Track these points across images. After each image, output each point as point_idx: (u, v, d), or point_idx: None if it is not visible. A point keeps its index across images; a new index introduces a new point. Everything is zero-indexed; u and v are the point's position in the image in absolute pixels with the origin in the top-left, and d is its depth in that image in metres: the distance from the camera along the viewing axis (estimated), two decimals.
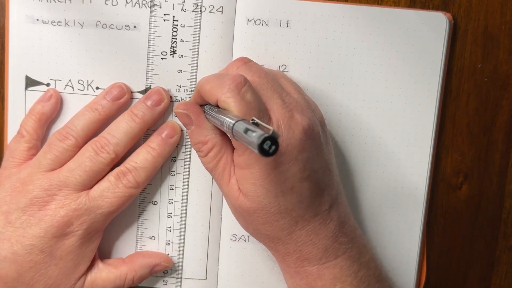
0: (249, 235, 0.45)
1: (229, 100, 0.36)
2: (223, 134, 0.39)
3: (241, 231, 0.45)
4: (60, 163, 0.41)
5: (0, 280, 0.40)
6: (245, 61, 0.40)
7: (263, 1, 0.43)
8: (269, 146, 0.28)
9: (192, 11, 0.43)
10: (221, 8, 0.43)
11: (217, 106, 0.37)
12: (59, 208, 0.40)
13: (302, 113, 0.37)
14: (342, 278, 0.39)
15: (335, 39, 0.44)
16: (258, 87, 0.38)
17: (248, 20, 0.43)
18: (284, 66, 0.44)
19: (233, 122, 0.32)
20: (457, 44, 0.45)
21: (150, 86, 0.44)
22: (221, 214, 0.45)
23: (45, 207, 0.40)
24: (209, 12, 0.43)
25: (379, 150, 0.45)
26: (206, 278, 0.46)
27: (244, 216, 0.39)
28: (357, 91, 0.44)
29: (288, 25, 0.43)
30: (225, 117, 0.34)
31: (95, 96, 0.43)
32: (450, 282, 0.48)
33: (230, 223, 0.45)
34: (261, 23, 0.43)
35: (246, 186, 0.37)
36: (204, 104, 0.40)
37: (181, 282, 0.46)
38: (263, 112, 0.36)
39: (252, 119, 0.33)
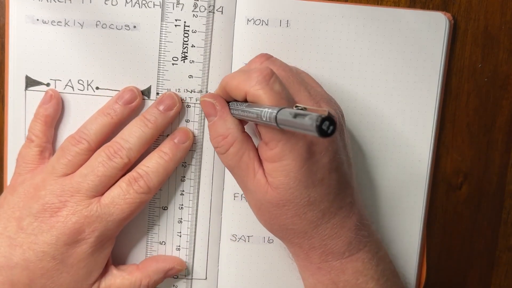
0: (249, 235, 0.45)
1: (258, 92, 0.35)
2: (244, 132, 0.39)
3: (241, 231, 0.45)
4: (73, 168, 0.41)
5: (12, 287, 0.39)
6: (268, 57, 0.40)
7: (263, 1, 0.43)
8: (327, 127, 0.29)
9: (192, 11, 0.43)
10: (221, 8, 0.43)
11: (244, 101, 0.37)
12: (71, 215, 0.39)
13: (328, 105, 0.38)
14: (364, 272, 0.39)
15: (335, 39, 0.44)
16: (284, 81, 0.38)
17: (248, 20, 0.43)
18: None
19: (277, 110, 0.32)
20: (457, 44, 0.45)
21: (158, 91, 0.44)
22: (221, 214, 0.45)
23: (57, 213, 0.40)
24: (208, 13, 0.43)
25: (379, 150, 0.45)
26: (206, 278, 0.46)
27: (270, 211, 0.38)
28: (356, 91, 0.44)
29: (288, 25, 0.43)
30: (263, 108, 0.34)
31: (95, 96, 0.43)
32: (450, 282, 0.48)
33: (230, 223, 0.45)
34: (261, 23, 0.43)
35: (278, 179, 0.37)
36: (229, 101, 0.40)
37: (191, 286, 0.46)
38: (292, 103, 0.36)
39: (297, 106, 0.33)
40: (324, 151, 0.37)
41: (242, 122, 0.39)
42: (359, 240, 0.39)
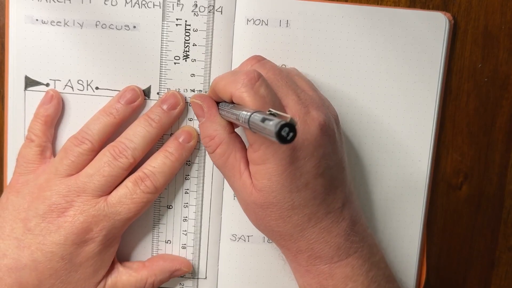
0: (249, 235, 0.45)
1: (243, 94, 0.36)
2: (232, 133, 0.39)
3: (241, 231, 0.45)
4: (77, 168, 0.41)
5: None
6: (259, 59, 0.40)
7: (262, 1, 0.43)
8: (286, 133, 0.28)
9: (192, 11, 0.43)
10: (220, 8, 0.43)
11: (232, 102, 0.38)
12: (78, 215, 0.40)
13: (318, 110, 0.38)
14: (354, 278, 0.39)
15: (335, 39, 0.44)
16: (273, 84, 0.38)
17: (247, 20, 0.43)
18: (284, 66, 0.44)
19: (250, 113, 0.32)
20: (457, 44, 0.45)
21: (159, 90, 0.44)
22: (221, 214, 0.45)
23: (64, 213, 0.40)
24: (209, 12, 0.43)
25: (379, 150, 0.45)
26: (206, 278, 0.46)
27: (256, 212, 0.38)
28: (356, 91, 0.44)
29: (288, 25, 0.43)
30: (240, 111, 0.34)
31: (95, 96, 0.43)
32: (450, 282, 0.48)
33: (230, 223, 0.45)
34: (260, 23, 0.43)
35: (261, 182, 0.37)
36: (219, 101, 0.40)
37: (197, 285, 0.46)
38: (278, 107, 0.36)
39: (269, 110, 0.33)
40: (309, 156, 0.36)
41: (231, 123, 0.39)
42: (349, 245, 0.39)
